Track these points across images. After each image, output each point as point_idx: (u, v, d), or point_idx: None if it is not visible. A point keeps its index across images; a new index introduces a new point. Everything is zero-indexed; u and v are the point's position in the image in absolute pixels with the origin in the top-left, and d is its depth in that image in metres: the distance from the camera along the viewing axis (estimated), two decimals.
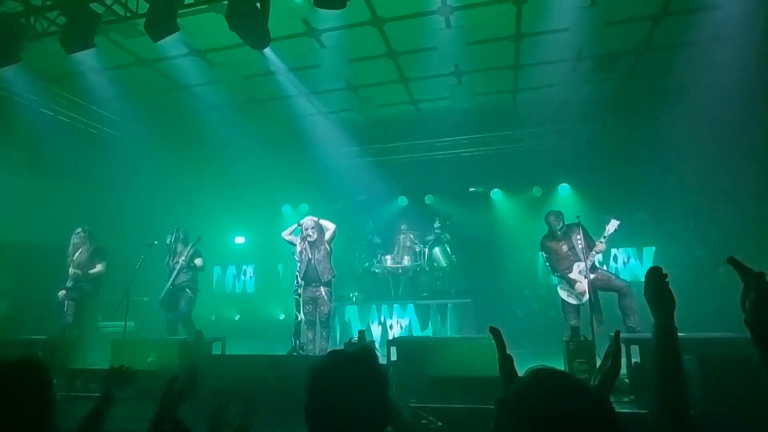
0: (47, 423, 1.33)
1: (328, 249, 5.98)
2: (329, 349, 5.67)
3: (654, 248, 9.39)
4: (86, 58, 6.64)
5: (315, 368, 1.36)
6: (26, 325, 6.91)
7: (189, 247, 6.50)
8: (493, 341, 1.53)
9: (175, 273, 6.38)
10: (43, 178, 8.48)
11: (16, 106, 7.88)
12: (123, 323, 6.27)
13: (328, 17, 6.38)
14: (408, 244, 9.31)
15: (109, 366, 5.24)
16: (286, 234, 6.21)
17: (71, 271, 6.38)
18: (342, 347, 5.10)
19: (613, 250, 9.61)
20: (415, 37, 6.82)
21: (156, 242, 6.75)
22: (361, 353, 1.41)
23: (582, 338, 4.41)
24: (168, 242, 6.63)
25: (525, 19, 6.50)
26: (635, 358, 4.31)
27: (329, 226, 6.00)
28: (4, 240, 7.89)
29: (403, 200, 10.54)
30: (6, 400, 1.27)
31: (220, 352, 5.50)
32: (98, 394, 4.33)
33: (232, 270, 11.51)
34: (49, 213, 8.22)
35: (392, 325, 8.31)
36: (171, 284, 6.36)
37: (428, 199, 10.31)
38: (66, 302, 6.32)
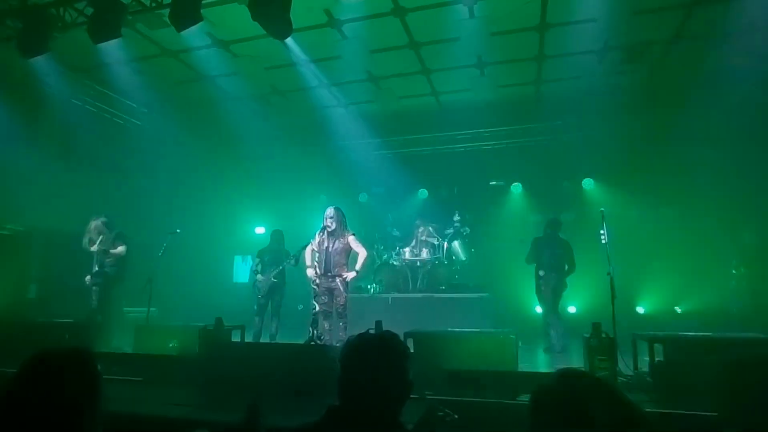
0: (94, 410, 1.36)
1: (349, 248, 5.93)
2: (346, 340, 5.71)
3: (681, 245, 9.14)
4: (113, 49, 6.77)
5: (348, 346, 1.58)
6: (53, 309, 7.13)
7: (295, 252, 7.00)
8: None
9: (278, 269, 7.07)
10: (72, 166, 8.71)
11: (46, 96, 8.10)
12: (146, 309, 6.42)
13: (350, 7, 6.37)
14: (427, 237, 9.27)
15: (132, 350, 5.39)
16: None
17: (96, 248, 6.58)
18: None
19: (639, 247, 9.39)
20: (437, 27, 6.74)
21: (179, 230, 6.87)
22: (386, 334, 1.64)
23: (603, 335, 4.32)
24: (272, 240, 7.40)
25: (550, 9, 6.36)
26: (659, 357, 4.21)
27: (361, 253, 5.93)
28: (34, 226, 8.16)
29: (423, 193, 10.48)
30: (59, 390, 1.31)
31: (239, 340, 5.58)
32: (120, 377, 4.46)
33: (251, 259, 11.64)
34: (76, 201, 8.45)
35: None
36: (273, 277, 7.11)
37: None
38: (91, 288, 6.52)
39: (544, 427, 1.07)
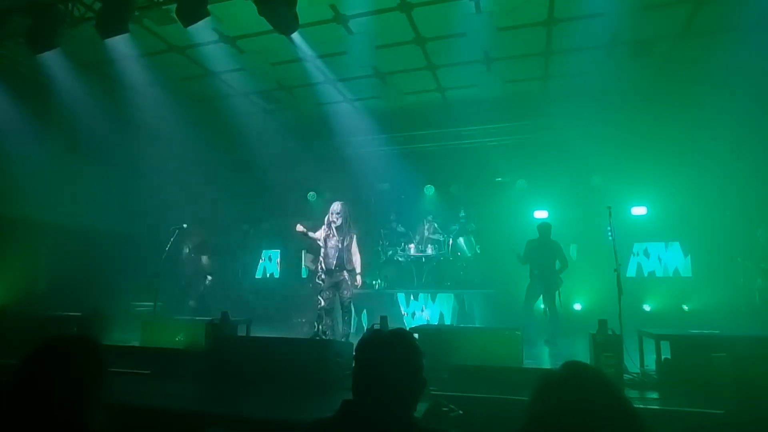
0: (100, 396, 1.40)
1: (355, 243, 5.98)
2: (350, 334, 5.75)
3: (688, 242, 9.08)
4: (121, 44, 6.80)
5: (363, 342, 1.58)
6: (62, 303, 7.20)
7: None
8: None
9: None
10: (80, 161, 8.78)
11: (55, 92, 8.15)
12: (153, 303, 6.47)
13: (356, 2, 6.35)
14: (432, 233, 9.27)
15: (140, 344, 5.45)
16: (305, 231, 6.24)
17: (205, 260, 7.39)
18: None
19: (645, 244, 9.35)
20: (443, 22, 6.71)
21: (185, 225, 6.91)
22: (400, 331, 1.63)
23: (610, 332, 4.30)
24: None
25: (558, 3, 6.31)
26: (665, 354, 4.19)
27: (356, 256, 5.97)
28: (42, 221, 8.22)
29: (429, 189, 10.47)
30: (65, 374, 1.35)
31: (245, 334, 5.61)
32: (128, 370, 4.51)
33: (258, 255, 11.70)
34: (84, 195, 8.53)
35: (414, 313, 8.34)
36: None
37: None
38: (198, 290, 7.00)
39: (543, 414, 1.09)
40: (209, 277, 7.59)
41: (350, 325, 5.83)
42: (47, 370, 1.35)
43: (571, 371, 1.15)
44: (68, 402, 1.32)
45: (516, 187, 9.93)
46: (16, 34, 6.57)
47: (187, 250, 7.66)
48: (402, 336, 1.60)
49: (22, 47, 6.29)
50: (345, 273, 5.81)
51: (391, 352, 1.52)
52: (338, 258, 5.81)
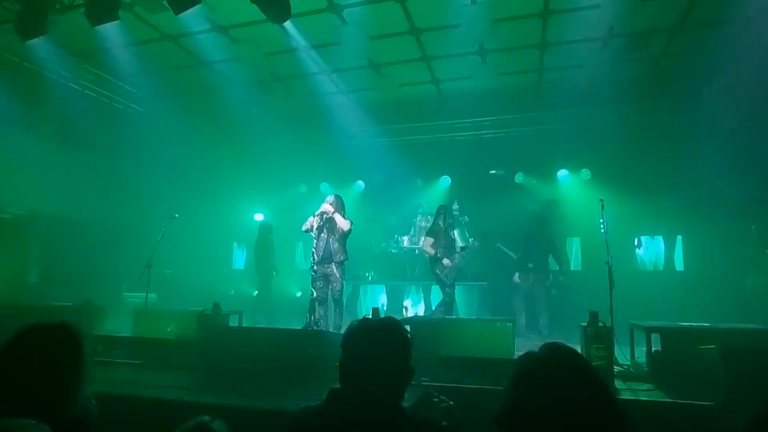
0: (78, 380, 1.42)
1: (346, 234, 5.92)
2: (342, 326, 5.74)
3: (681, 237, 9.13)
4: (112, 33, 6.71)
5: (351, 331, 1.57)
6: (55, 293, 7.15)
7: None
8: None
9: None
10: (71, 151, 8.69)
11: (46, 81, 8.04)
12: (145, 294, 6.43)
13: None
14: (425, 225, 9.26)
15: (132, 334, 5.43)
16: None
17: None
18: None
19: (637, 237, 9.39)
20: (438, 13, 6.65)
21: (177, 215, 6.86)
22: (389, 320, 1.63)
23: (601, 324, 4.32)
24: None
25: None
26: (655, 346, 4.22)
27: (343, 225, 5.89)
28: (34, 211, 8.15)
29: (419, 182, 10.43)
30: (42, 358, 1.38)
31: (237, 325, 5.60)
32: (119, 360, 4.49)
33: (251, 246, 11.65)
34: (76, 186, 8.45)
35: (407, 305, 8.35)
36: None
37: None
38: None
39: (522, 395, 1.13)
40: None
41: (342, 316, 5.83)
42: (23, 356, 1.37)
43: (549, 353, 1.18)
44: (44, 387, 1.33)
45: (510, 179, 9.93)
46: (4, 21, 6.46)
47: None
48: (390, 324, 1.59)
49: (12, 34, 6.18)
50: (333, 265, 5.80)
51: (379, 341, 1.51)
52: (325, 250, 5.80)
